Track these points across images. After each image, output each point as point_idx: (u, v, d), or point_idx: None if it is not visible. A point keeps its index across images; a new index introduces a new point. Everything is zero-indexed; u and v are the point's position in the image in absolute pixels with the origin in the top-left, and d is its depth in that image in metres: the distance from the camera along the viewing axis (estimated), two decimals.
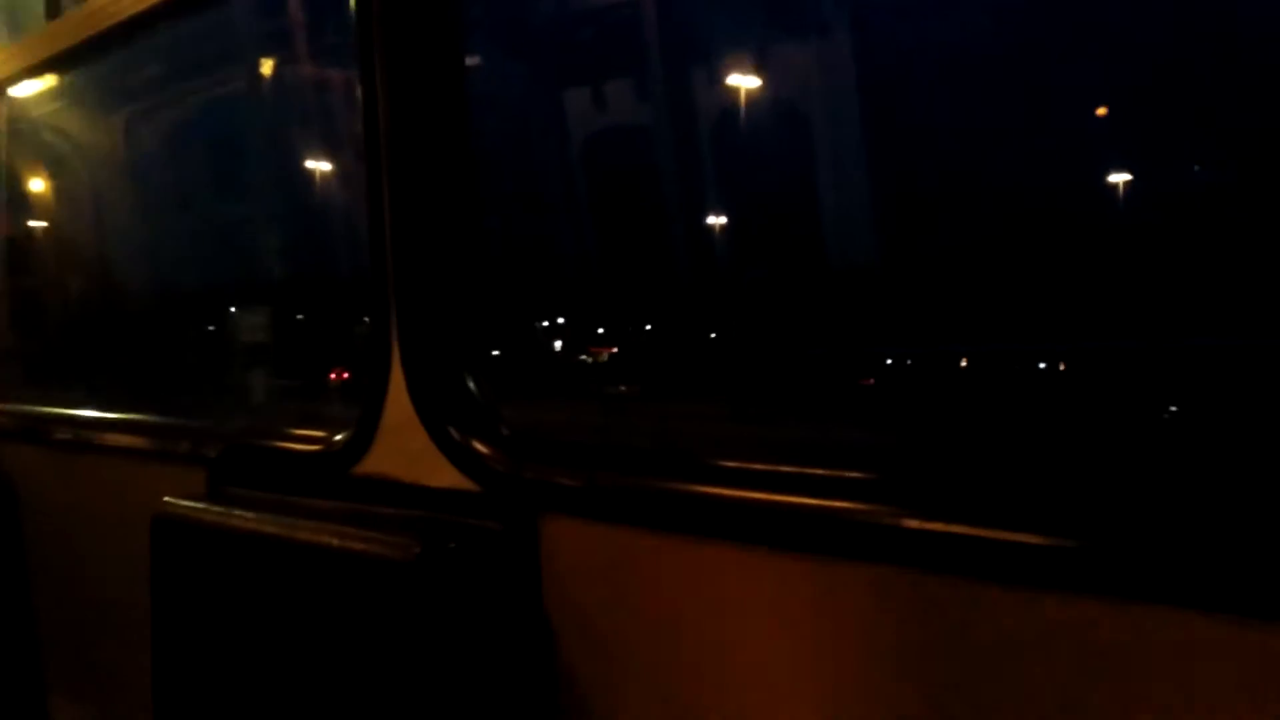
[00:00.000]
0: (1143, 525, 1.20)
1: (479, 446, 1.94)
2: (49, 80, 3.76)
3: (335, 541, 1.94)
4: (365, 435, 2.12)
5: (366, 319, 2.14)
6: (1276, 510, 1.13)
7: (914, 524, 1.37)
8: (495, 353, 2.10)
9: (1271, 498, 1.14)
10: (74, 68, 3.56)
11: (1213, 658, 1.14)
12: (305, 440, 2.37)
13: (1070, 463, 1.42)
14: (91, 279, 4.74)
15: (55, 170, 4.46)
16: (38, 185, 4.45)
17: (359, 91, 2.08)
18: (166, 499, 2.36)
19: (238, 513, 2.20)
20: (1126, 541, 1.21)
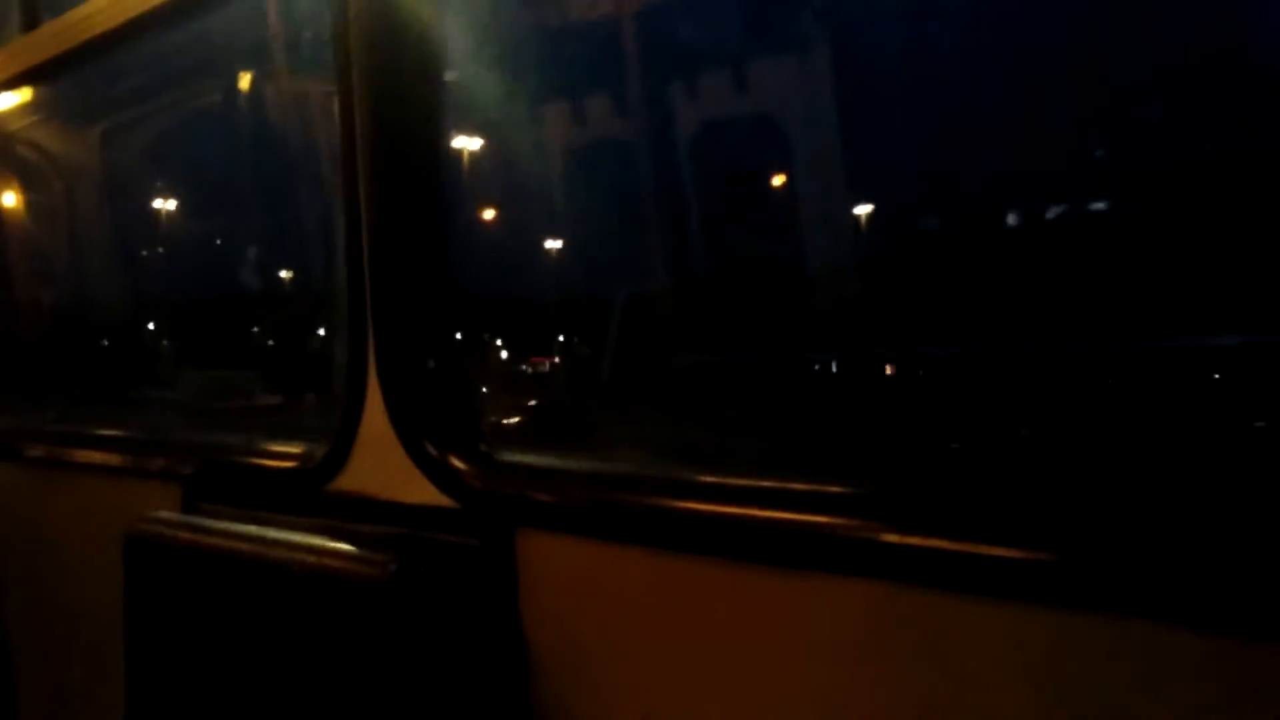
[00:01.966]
0: (1121, 539, 1.20)
1: (456, 463, 1.93)
2: (24, 93, 3.74)
3: (311, 559, 1.93)
4: (341, 451, 2.11)
5: (333, 333, 2.13)
6: (1254, 525, 1.13)
7: (892, 538, 1.37)
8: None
9: (1249, 513, 1.14)
10: (50, 81, 3.54)
11: (1193, 672, 1.14)
12: (281, 456, 2.35)
13: (1041, 476, 1.42)
14: (58, 292, 4.73)
15: (28, 183, 4.44)
16: (10, 199, 4.42)
17: (337, 106, 2.08)
18: (140, 517, 2.34)
19: (212, 530, 2.19)
20: (1106, 555, 1.21)
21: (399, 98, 2.02)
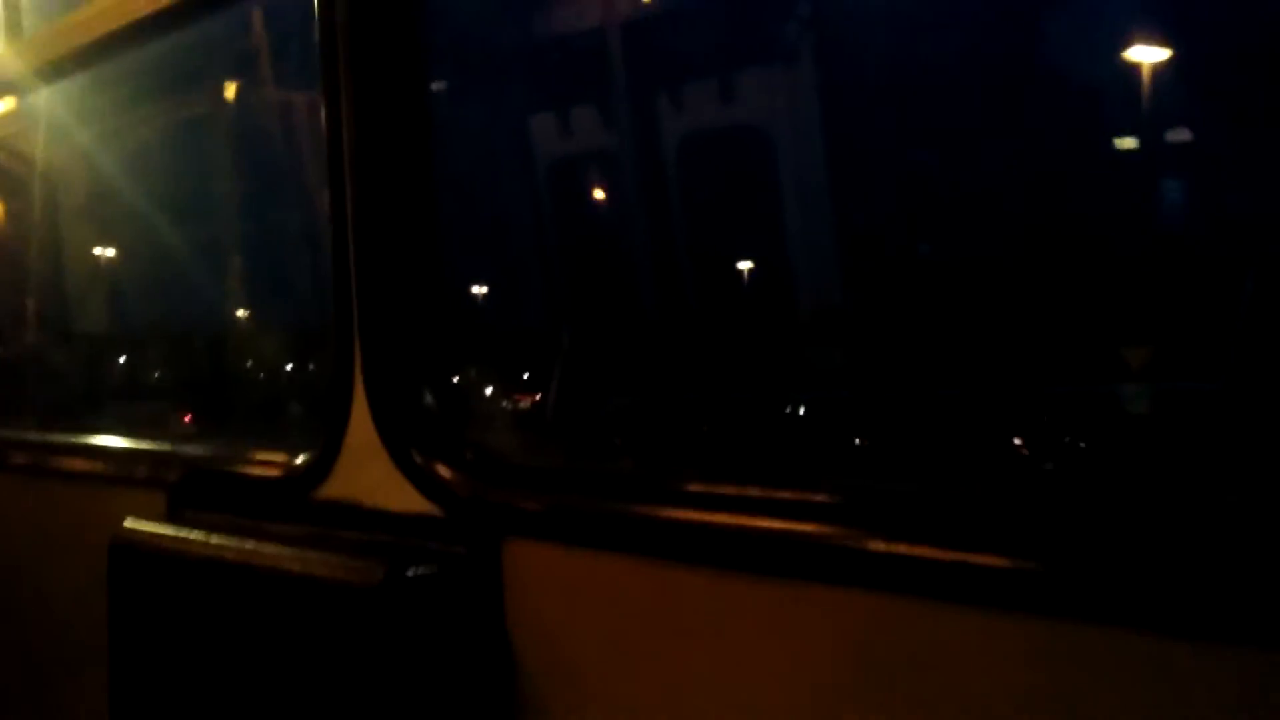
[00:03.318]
0: (1101, 548, 1.22)
1: (442, 470, 1.93)
2: (7, 102, 3.74)
3: (297, 566, 1.93)
4: (327, 459, 2.11)
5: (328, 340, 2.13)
6: (1231, 535, 1.14)
7: (878, 547, 1.37)
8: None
9: (1223, 524, 1.16)
10: (35, 89, 3.53)
11: (1180, 681, 1.14)
12: (266, 464, 2.35)
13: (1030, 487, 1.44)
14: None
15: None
16: None
17: (323, 113, 2.08)
18: (124, 523, 2.33)
19: (197, 537, 2.18)
20: (1086, 564, 1.22)
21: (386, 106, 2.03)
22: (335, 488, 2.11)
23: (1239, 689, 1.11)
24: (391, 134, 2.03)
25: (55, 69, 3.03)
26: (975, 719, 1.30)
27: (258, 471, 2.37)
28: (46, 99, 3.76)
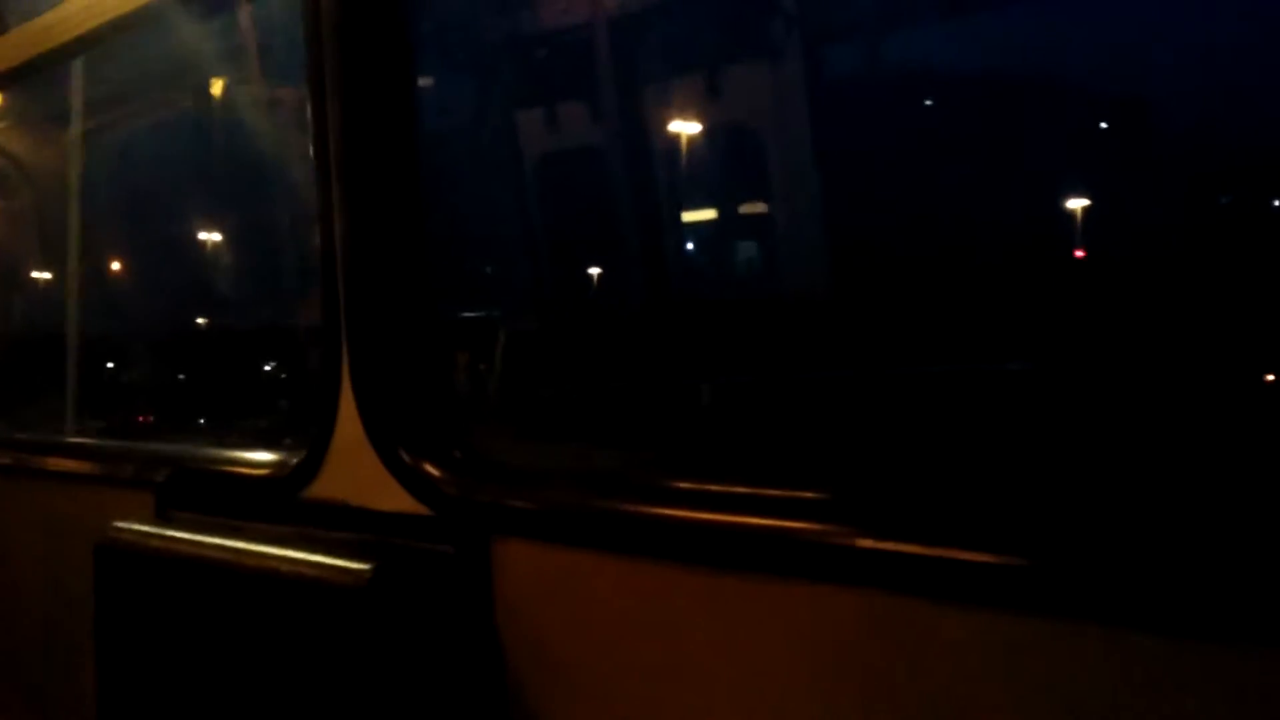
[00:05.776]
0: (1092, 545, 1.21)
1: (430, 469, 1.92)
2: None
3: (285, 566, 1.92)
4: (315, 458, 2.10)
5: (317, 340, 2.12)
6: (1223, 534, 1.14)
7: (866, 544, 1.37)
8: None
9: (1217, 522, 1.16)
10: (16, 86, 3.52)
11: (1166, 677, 1.15)
12: (254, 464, 2.34)
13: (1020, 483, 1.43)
14: None
15: None
16: None
17: (310, 111, 2.07)
18: (111, 524, 2.32)
19: (185, 538, 2.17)
20: (1076, 561, 1.22)
21: (372, 103, 2.01)
22: (323, 487, 2.10)
23: (1226, 686, 1.11)
24: (378, 133, 2.02)
25: (37, 66, 3.01)
26: (963, 714, 1.30)
27: (245, 471, 2.36)
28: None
